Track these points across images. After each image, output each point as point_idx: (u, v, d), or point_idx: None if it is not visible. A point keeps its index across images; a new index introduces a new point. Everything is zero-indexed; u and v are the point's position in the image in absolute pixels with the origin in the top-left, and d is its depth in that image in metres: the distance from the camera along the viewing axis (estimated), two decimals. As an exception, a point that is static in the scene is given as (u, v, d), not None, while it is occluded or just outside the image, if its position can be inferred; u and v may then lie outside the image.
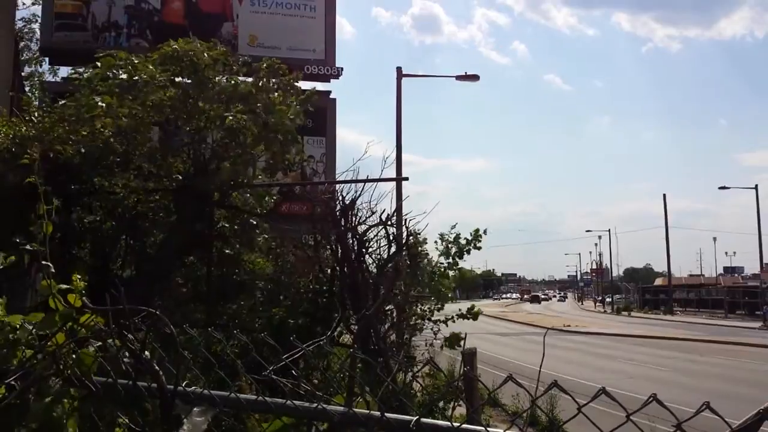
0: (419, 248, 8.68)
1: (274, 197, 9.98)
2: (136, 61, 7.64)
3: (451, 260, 9.00)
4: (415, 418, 1.58)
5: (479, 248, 9.03)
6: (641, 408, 1.46)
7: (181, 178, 8.48)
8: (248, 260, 9.52)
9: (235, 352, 5.62)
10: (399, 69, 20.92)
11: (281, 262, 9.95)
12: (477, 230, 9.04)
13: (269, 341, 1.90)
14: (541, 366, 1.96)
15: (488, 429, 1.52)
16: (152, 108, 7.58)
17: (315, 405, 1.72)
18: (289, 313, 8.57)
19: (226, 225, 9.35)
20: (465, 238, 9.02)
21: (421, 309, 8.77)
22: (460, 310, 8.85)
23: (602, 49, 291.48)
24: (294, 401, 1.74)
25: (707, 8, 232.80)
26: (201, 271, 9.22)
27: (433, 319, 8.78)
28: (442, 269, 8.91)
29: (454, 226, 8.99)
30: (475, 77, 22.17)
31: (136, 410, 1.94)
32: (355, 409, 1.67)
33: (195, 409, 1.84)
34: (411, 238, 8.49)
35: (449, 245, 8.71)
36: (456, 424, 1.54)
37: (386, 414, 1.62)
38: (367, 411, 1.68)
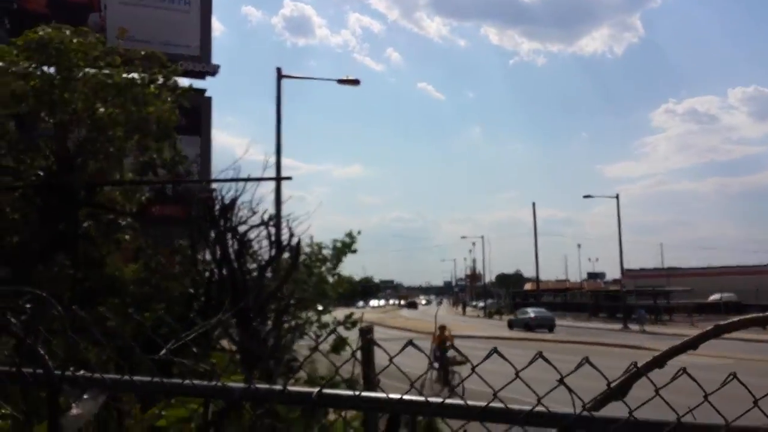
0: (303, 253, 8.73)
1: (146, 196, 9.54)
2: (-7, 46, 7.05)
3: (330, 265, 9.13)
4: (317, 390, 1.62)
5: (354, 251, 9.22)
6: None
7: (42, 174, 7.91)
8: (114, 265, 9.03)
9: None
10: (279, 69, 20.70)
11: (153, 265, 9.52)
12: (350, 233, 9.23)
13: (173, 322, 1.86)
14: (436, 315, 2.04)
15: (389, 396, 1.59)
16: (12, 98, 7.03)
17: (214, 383, 1.71)
18: (162, 318, 8.23)
19: (92, 225, 8.83)
20: (341, 241, 9.17)
21: (305, 314, 8.78)
22: (336, 318, 9.01)
23: (473, 60, 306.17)
24: (192, 380, 1.72)
25: (569, 26, 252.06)
26: (63, 274, 8.64)
27: (313, 326, 8.83)
28: (323, 274, 9.00)
29: (349, 234, 9.18)
30: (355, 81, 22.40)
31: (21, 398, 1.82)
32: (257, 385, 1.68)
33: (85, 395, 1.76)
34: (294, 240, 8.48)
35: (330, 251, 8.86)
36: (357, 393, 1.60)
37: (288, 388, 1.64)
38: (268, 386, 1.69)
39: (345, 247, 8.99)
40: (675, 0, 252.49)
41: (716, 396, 1.61)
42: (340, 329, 8.78)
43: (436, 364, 17.17)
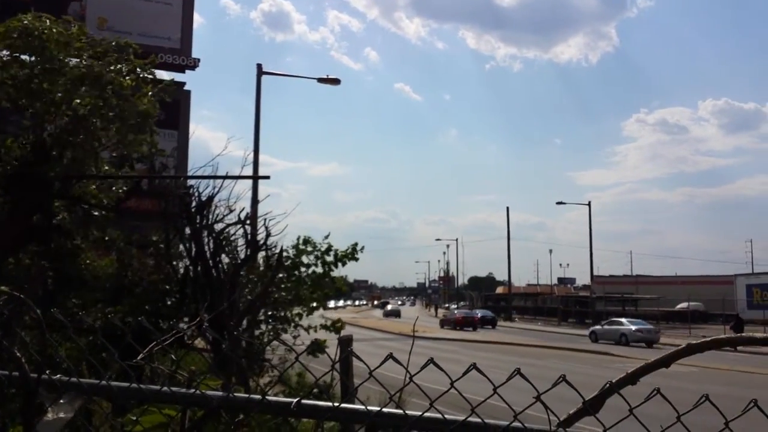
0: (294, 253, 8.66)
1: (122, 189, 9.41)
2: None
3: (322, 269, 8.91)
4: (295, 400, 1.63)
5: (357, 259, 9.06)
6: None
7: (17, 163, 7.76)
8: (87, 257, 8.90)
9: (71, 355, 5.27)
10: (259, 66, 20.59)
11: (125, 259, 9.39)
12: (355, 244, 9.12)
13: (143, 330, 1.85)
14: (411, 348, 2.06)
15: (368, 408, 1.61)
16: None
17: (193, 390, 1.71)
18: (132, 313, 8.10)
19: (67, 217, 8.69)
20: (341, 251, 8.99)
21: (282, 314, 8.70)
22: (323, 317, 8.94)
23: (450, 63, 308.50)
24: (170, 387, 1.71)
25: (545, 32, 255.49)
26: (35, 267, 8.50)
27: (292, 325, 8.74)
28: (314, 276, 8.87)
29: (327, 236, 9.08)
30: (336, 81, 22.35)
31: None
32: (236, 394, 1.68)
33: (62, 399, 1.74)
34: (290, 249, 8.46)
35: (323, 254, 8.78)
36: (335, 404, 1.61)
37: (267, 397, 1.65)
38: (247, 395, 1.70)
39: (345, 257, 8.83)
40: (651, 11, 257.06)
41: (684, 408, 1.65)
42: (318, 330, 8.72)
43: None
